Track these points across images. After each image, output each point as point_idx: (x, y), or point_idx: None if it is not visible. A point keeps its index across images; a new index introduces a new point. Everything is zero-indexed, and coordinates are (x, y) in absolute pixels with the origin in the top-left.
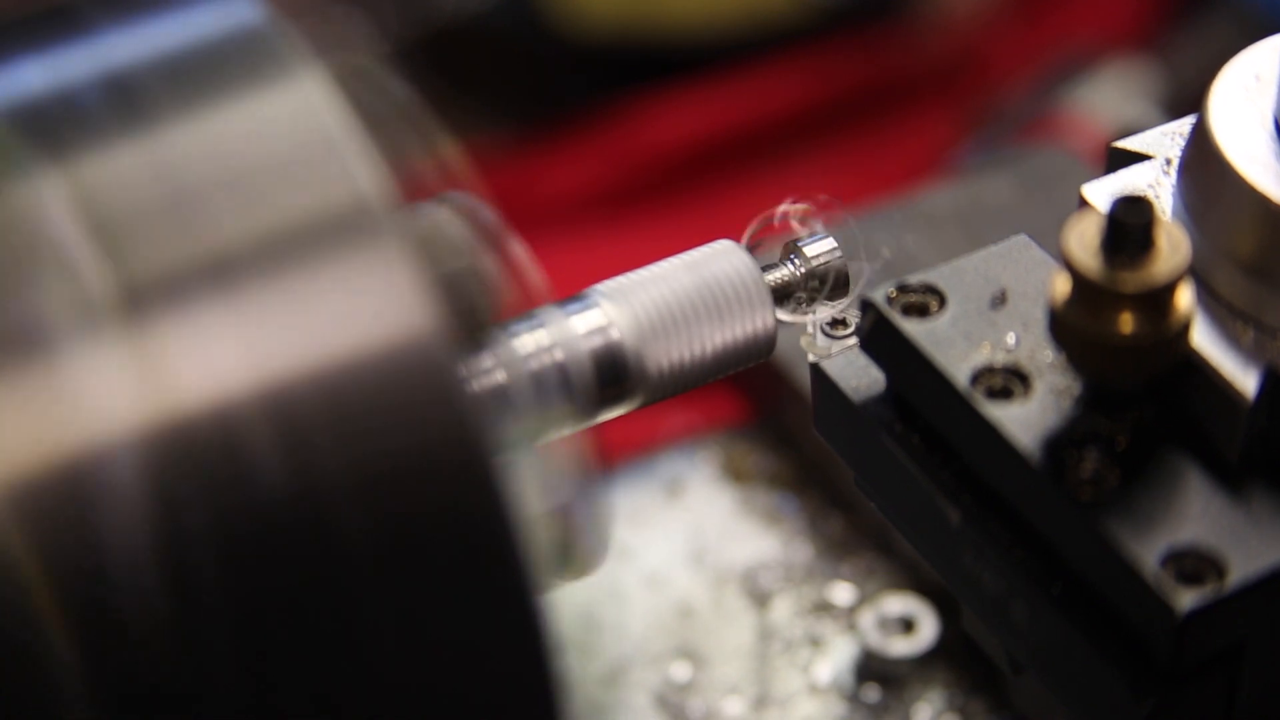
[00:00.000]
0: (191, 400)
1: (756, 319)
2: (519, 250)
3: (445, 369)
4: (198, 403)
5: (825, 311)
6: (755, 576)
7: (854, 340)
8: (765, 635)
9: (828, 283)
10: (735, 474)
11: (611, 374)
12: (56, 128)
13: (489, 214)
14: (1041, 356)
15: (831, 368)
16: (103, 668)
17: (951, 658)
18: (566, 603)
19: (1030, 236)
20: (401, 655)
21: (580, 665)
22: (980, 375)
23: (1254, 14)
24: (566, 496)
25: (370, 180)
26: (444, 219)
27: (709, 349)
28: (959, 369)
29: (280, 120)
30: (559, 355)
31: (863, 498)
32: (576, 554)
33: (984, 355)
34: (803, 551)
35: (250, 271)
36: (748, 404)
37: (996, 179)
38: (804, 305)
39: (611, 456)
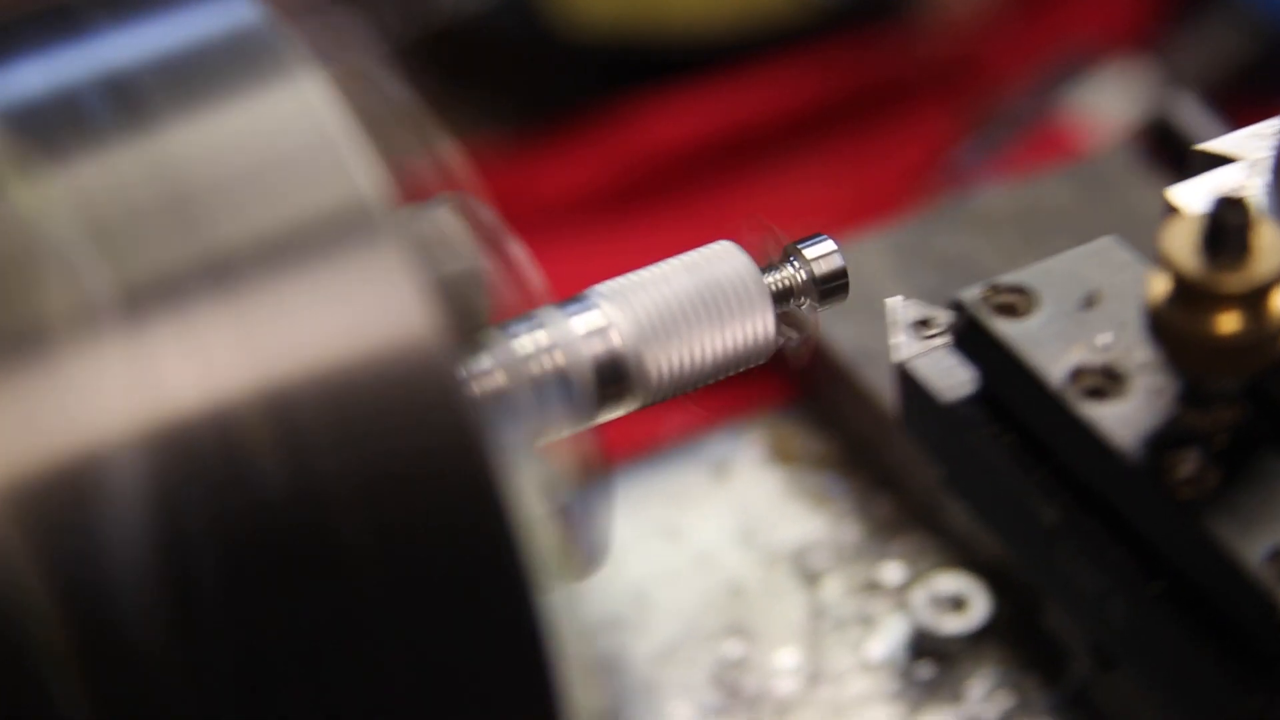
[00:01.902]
0: (191, 403)
1: (756, 321)
2: (518, 250)
3: (444, 370)
4: (197, 405)
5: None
6: (805, 556)
7: (941, 341)
8: (816, 614)
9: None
10: (782, 456)
11: (611, 375)
12: (55, 129)
13: (488, 214)
14: (1135, 356)
15: (919, 368)
16: (103, 669)
17: (1003, 635)
18: (618, 581)
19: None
20: (400, 656)
21: (633, 644)
22: (1075, 375)
23: (1254, 14)
24: (566, 498)
25: (369, 181)
26: (443, 220)
27: (708, 351)
28: (1053, 369)
29: (279, 121)
30: (558, 356)
31: (910, 477)
32: (577, 555)
33: (1078, 355)
34: (852, 531)
35: (249, 273)
36: (790, 384)
37: (1054, 181)
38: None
39: (659, 439)
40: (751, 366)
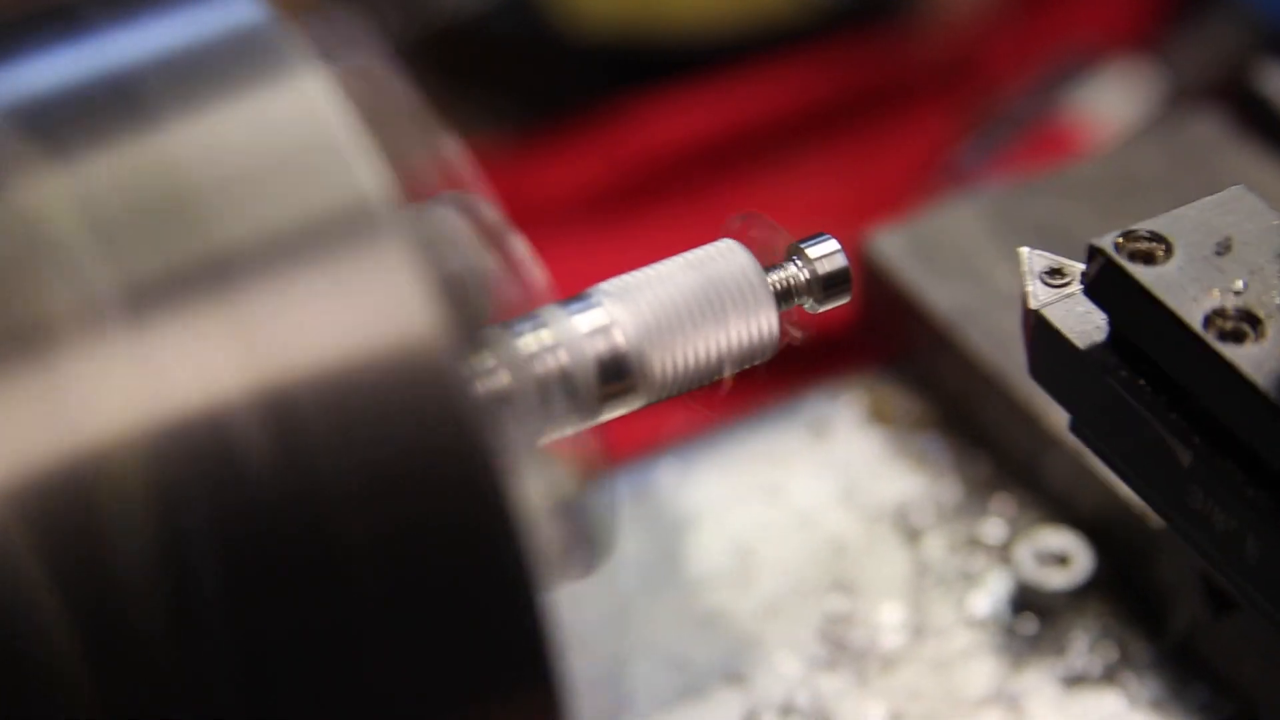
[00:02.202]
0: (192, 402)
1: (759, 319)
2: (521, 249)
3: (447, 369)
4: (198, 404)
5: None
6: (905, 514)
7: (1073, 289)
8: (919, 570)
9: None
10: (880, 416)
11: (614, 374)
12: (58, 127)
13: (491, 213)
14: (1270, 300)
15: (1053, 315)
16: (106, 667)
17: (1105, 591)
18: (721, 538)
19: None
20: (401, 655)
21: (738, 599)
22: (1212, 318)
23: (1254, 14)
24: (569, 495)
25: (372, 180)
26: (446, 218)
27: (711, 349)
28: (1191, 312)
29: (282, 120)
30: (561, 355)
31: (1008, 436)
32: (580, 552)
33: (1214, 299)
34: (951, 489)
35: (251, 272)
36: (882, 346)
37: (1147, 149)
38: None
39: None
40: (754, 364)
